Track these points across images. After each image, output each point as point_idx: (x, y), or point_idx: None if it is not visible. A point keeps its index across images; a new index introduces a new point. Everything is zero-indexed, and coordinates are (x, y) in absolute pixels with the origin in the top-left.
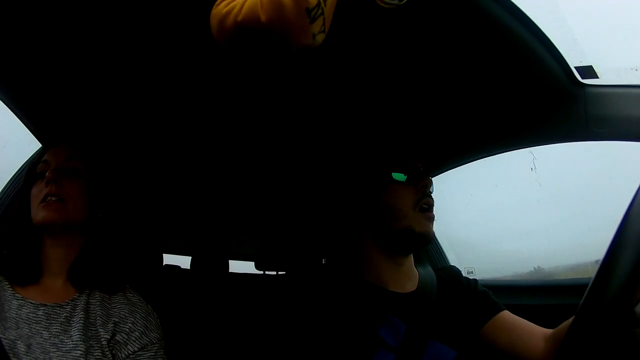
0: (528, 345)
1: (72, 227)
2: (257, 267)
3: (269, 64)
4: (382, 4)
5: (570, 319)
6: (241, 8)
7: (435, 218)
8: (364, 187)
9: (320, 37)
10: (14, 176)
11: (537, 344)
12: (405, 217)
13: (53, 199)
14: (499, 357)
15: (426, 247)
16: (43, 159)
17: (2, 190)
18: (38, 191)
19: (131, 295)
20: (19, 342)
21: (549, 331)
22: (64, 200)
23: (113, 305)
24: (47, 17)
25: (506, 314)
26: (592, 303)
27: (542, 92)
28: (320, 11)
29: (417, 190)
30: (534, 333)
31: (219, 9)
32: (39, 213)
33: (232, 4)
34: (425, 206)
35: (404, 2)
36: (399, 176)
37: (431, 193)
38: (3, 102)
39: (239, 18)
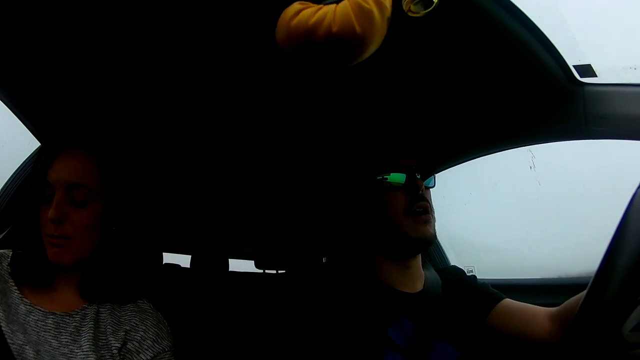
0: (534, 327)
1: (82, 260)
2: (257, 266)
3: (336, 72)
4: (410, 14)
5: (573, 298)
6: (333, 19)
7: (433, 219)
8: (358, 194)
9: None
10: (13, 176)
11: (543, 323)
12: (398, 224)
13: (58, 240)
14: (501, 356)
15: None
16: (47, 179)
17: (1, 190)
18: (44, 220)
19: (141, 302)
20: (27, 347)
21: (552, 310)
22: (71, 239)
23: (123, 313)
24: (46, 17)
25: (507, 301)
26: (591, 304)
27: (541, 90)
28: (390, 16)
29: (406, 194)
30: (538, 314)
31: (302, 20)
32: (47, 248)
33: (318, 15)
34: (418, 209)
35: (430, 9)
36: (389, 180)
37: (432, 187)
38: (2, 101)
39: (334, 29)
